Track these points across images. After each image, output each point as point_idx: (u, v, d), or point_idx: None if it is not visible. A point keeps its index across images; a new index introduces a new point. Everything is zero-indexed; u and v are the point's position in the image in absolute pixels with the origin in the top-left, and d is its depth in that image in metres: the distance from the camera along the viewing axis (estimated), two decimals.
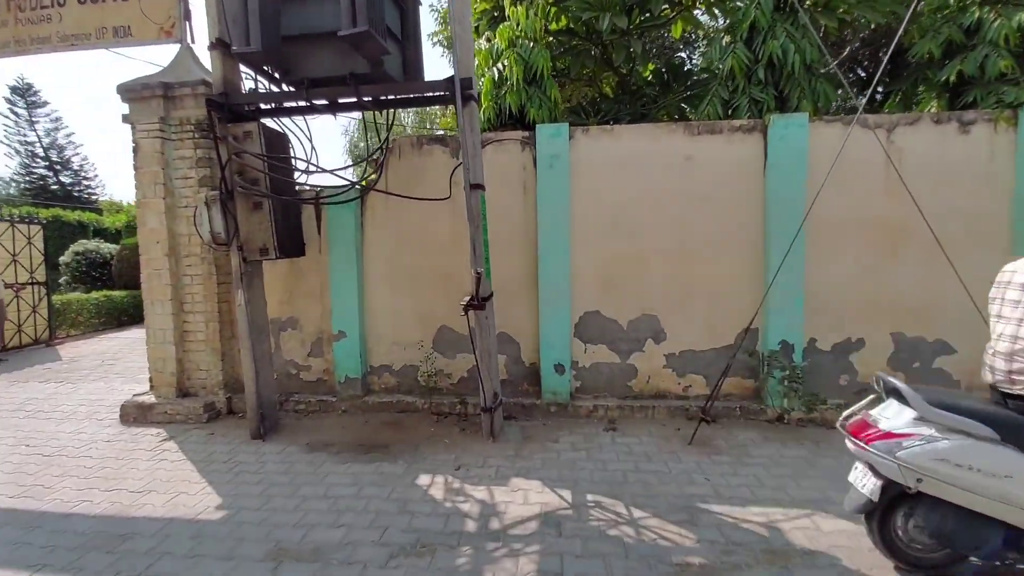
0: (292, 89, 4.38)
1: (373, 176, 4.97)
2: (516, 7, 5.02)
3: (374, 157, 4.88)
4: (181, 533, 3.01)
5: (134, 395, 5.20)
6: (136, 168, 4.99)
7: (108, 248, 12.50)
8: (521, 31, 5.00)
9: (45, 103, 28.06)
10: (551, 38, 5.46)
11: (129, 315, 11.36)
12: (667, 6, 5.52)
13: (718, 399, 4.36)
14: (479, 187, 4.12)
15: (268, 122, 4.60)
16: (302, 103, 4.31)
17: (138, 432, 4.69)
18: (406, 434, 4.46)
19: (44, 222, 9.27)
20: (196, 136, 4.93)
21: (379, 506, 3.26)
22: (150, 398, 5.04)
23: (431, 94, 4.20)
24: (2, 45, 5.58)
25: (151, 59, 13.47)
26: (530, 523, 3.02)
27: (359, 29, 3.60)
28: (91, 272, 12.06)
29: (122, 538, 2.98)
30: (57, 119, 28.26)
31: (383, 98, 4.30)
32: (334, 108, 4.48)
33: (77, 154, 28.81)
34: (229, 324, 5.16)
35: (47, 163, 28.05)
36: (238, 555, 2.78)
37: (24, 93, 27.61)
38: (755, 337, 4.54)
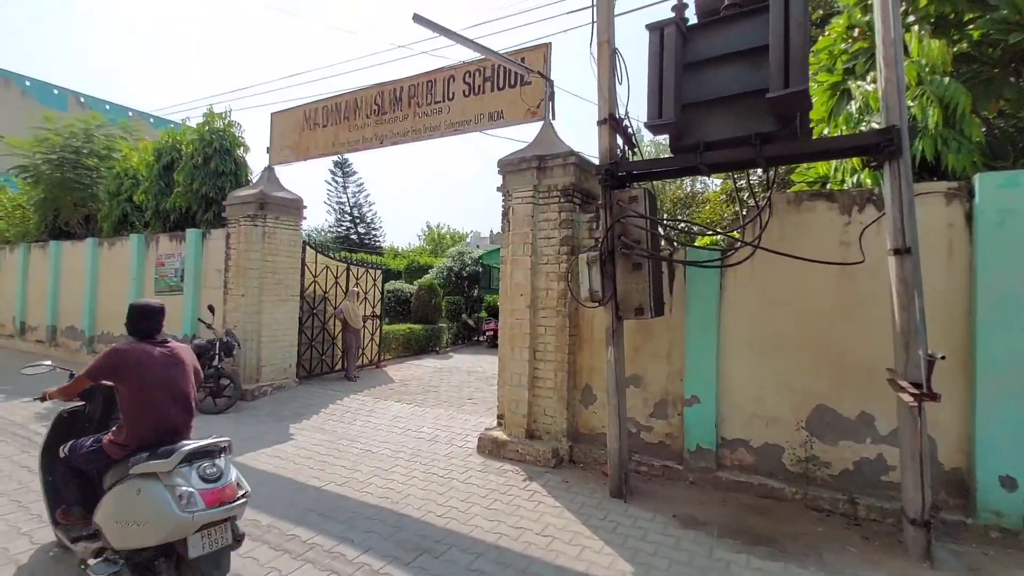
0: (671, 155, 4.48)
1: (735, 235, 4.75)
2: (925, 38, 4.34)
3: (744, 217, 4.65)
4: None
5: (486, 429, 5.79)
6: (509, 230, 5.72)
7: (409, 288, 15.17)
8: (929, 65, 4.29)
9: (354, 172, 36.84)
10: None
11: (422, 345, 13.45)
12: None
13: None
14: (908, 251, 3.49)
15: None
16: (689, 166, 4.33)
17: (499, 466, 5.14)
18: (787, 527, 3.89)
19: (383, 267, 11.64)
20: (561, 200, 5.43)
21: None
22: (502, 435, 5.54)
23: (853, 146, 3.77)
24: (403, 133, 7.17)
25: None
26: None
27: (794, 89, 3.44)
28: (396, 307, 14.75)
29: None
30: (360, 184, 36.76)
31: (786, 155, 4.04)
32: (717, 168, 4.41)
33: (370, 210, 36.92)
34: (573, 375, 5.42)
35: (351, 218, 36.52)
36: None
37: (342, 166, 36.75)
38: None
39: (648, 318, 4.40)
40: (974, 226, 3.80)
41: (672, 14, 4.18)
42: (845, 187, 4.77)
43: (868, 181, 4.45)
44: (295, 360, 8.72)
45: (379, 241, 36.02)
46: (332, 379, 9.48)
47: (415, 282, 16.41)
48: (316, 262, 9.39)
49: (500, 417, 5.82)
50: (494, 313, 19.11)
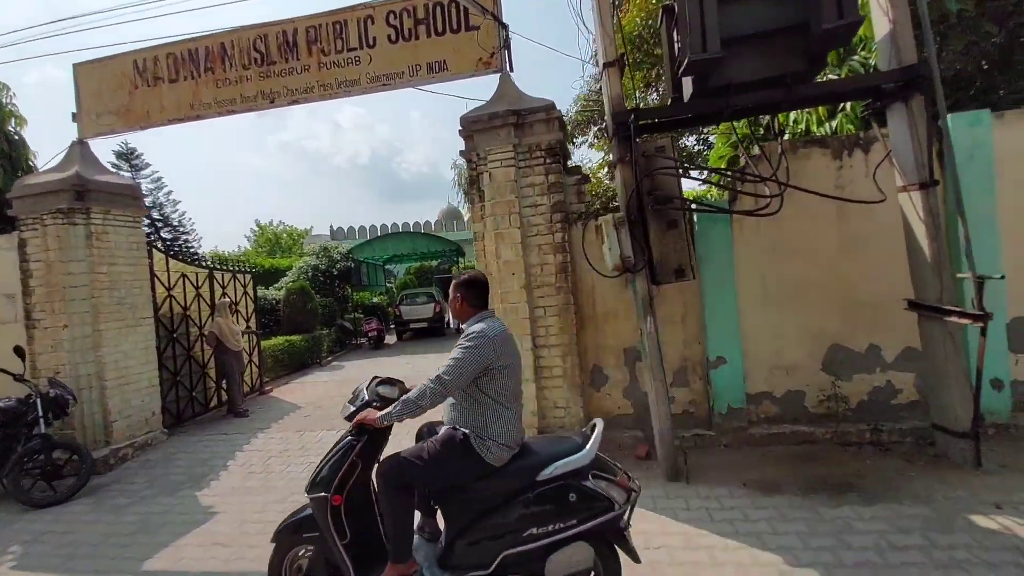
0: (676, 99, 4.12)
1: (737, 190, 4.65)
2: None
3: (744, 168, 4.54)
4: None
5: None
6: (483, 200, 4.81)
7: (273, 294, 12.69)
8: None
9: (147, 165, 29.74)
10: None
11: (303, 359, 11.39)
12: None
13: None
14: (936, 183, 3.71)
15: None
16: (711, 112, 4.02)
17: None
18: (846, 469, 3.93)
19: (255, 270, 9.40)
20: (547, 161, 4.73)
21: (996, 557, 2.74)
22: None
23: (867, 87, 3.83)
24: (305, 90, 5.63)
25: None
26: None
27: (850, 20, 3.30)
28: (262, 318, 12.20)
29: None
30: (158, 179, 29.77)
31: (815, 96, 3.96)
32: (742, 113, 4.17)
33: (175, 210, 30.32)
34: (579, 357, 4.82)
35: (150, 220, 29.57)
36: None
37: (128, 158, 29.37)
38: None
39: (690, 279, 4.04)
40: (946, 162, 4.23)
41: None
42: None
43: (850, 127, 4.70)
44: (160, 405, 6.42)
45: (195, 246, 29.94)
46: (213, 421, 7.29)
47: (273, 286, 13.84)
48: (169, 269, 7.02)
49: None
50: (370, 311, 17.32)
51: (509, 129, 4.71)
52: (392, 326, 17.27)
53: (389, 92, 5.52)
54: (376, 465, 2.47)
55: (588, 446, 2.33)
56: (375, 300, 18.20)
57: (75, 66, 6.09)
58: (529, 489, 2.29)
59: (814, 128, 5.03)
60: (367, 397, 2.55)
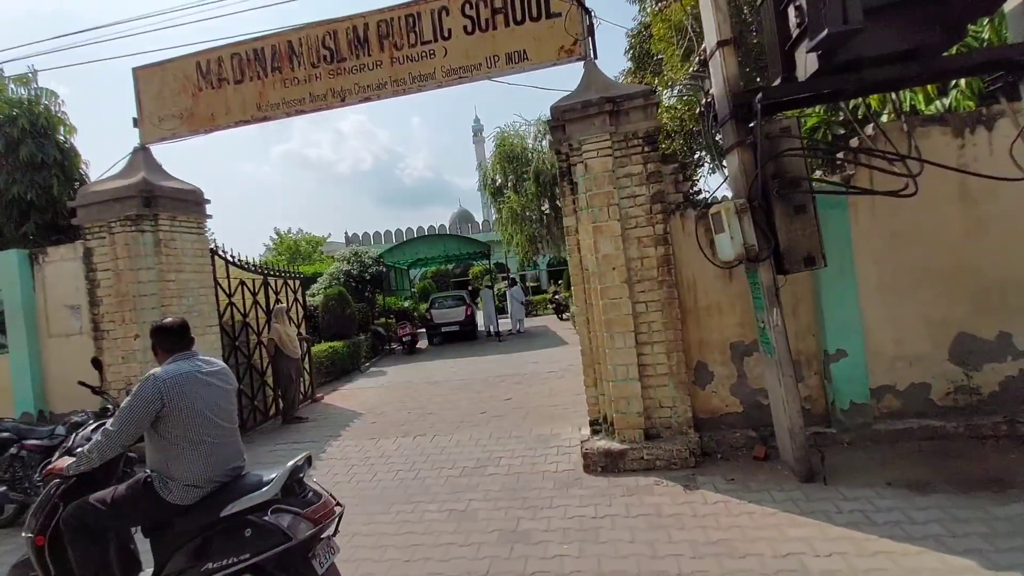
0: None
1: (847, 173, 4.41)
2: None
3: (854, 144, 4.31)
4: None
5: (584, 440, 4.67)
6: (577, 192, 4.62)
7: (311, 300, 12.55)
8: None
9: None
10: None
11: (345, 365, 11.23)
12: None
13: None
14: None
15: None
16: (839, 89, 3.80)
17: (633, 483, 4.11)
18: (993, 465, 3.70)
19: (302, 276, 9.25)
20: (646, 150, 4.52)
21: None
22: (612, 443, 4.49)
23: (1009, 59, 3.60)
24: (378, 86, 5.46)
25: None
26: None
27: None
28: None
29: None
30: None
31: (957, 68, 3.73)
32: (873, 89, 3.95)
33: None
34: (685, 353, 4.60)
35: None
36: None
37: None
38: None
39: (821, 267, 3.81)
40: None
41: None
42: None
43: (969, 104, 4.46)
44: None
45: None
46: (272, 430, 7.13)
47: (324, 292, 13.70)
48: (229, 276, 6.88)
49: (596, 423, 4.76)
50: (402, 316, 17.16)
51: (604, 117, 4.51)
52: (422, 330, 17.10)
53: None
54: None
55: (271, 484, 2.38)
56: (405, 304, 18.03)
57: (135, 70, 5.96)
58: (212, 526, 2.38)
59: (921, 106, 4.79)
60: (73, 442, 2.73)
